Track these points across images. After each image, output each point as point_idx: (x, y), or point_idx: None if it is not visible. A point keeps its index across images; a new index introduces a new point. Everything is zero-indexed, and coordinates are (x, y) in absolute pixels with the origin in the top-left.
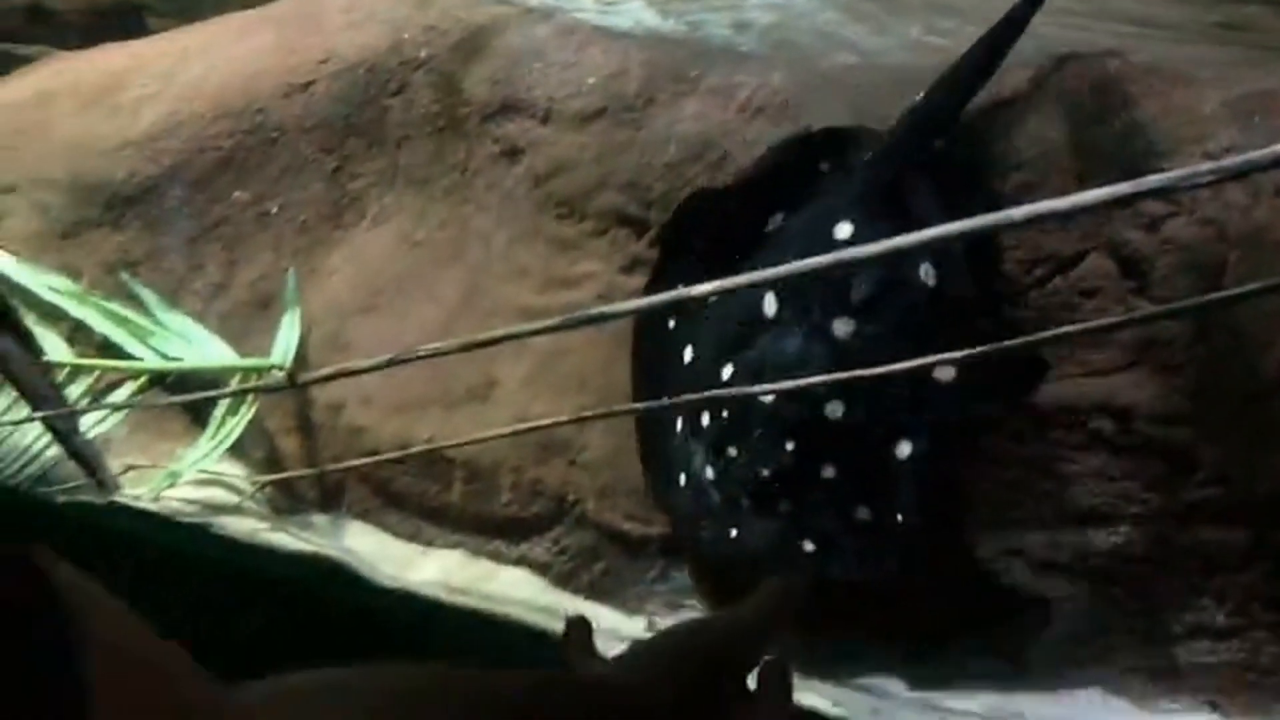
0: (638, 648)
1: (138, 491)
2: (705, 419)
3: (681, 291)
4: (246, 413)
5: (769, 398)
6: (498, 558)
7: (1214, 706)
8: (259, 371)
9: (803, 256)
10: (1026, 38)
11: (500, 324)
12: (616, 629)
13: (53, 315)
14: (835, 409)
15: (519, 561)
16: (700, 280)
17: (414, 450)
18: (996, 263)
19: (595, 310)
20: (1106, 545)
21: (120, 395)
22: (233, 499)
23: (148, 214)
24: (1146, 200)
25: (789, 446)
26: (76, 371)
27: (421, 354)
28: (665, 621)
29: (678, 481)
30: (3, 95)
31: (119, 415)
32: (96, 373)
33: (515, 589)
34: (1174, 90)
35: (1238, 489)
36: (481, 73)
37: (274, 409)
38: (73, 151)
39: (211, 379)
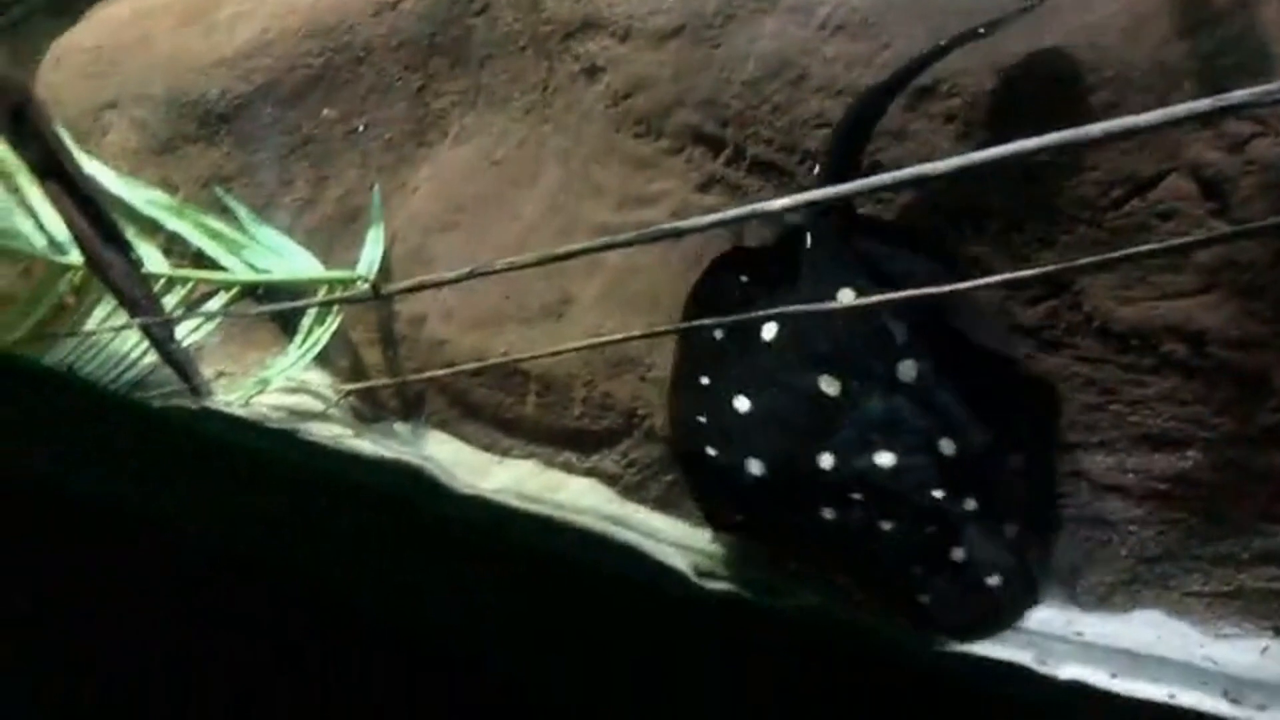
0: None
1: (229, 398)
2: (831, 513)
3: (757, 206)
4: (332, 323)
5: (888, 461)
6: (569, 468)
7: (1277, 631)
8: (344, 284)
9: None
10: None
11: (577, 241)
12: (682, 540)
13: (150, 228)
14: (947, 446)
15: (589, 473)
16: (724, 364)
17: (491, 362)
18: None
19: (668, 225)
20: (1174, 469)
21: (212, 306)
22: (318, 406)
23: (241, 130)
24: (1231, 119)
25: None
26: (172, 282)
27: (499, 267)
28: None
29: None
30: (103, 13)
31: (211, 325)
32: (191, 284)
33: (584, 498)
34: (1263, 5)
35: None
36: None
37: (358, 321)
38: (170, 68)
39: (299, 291)
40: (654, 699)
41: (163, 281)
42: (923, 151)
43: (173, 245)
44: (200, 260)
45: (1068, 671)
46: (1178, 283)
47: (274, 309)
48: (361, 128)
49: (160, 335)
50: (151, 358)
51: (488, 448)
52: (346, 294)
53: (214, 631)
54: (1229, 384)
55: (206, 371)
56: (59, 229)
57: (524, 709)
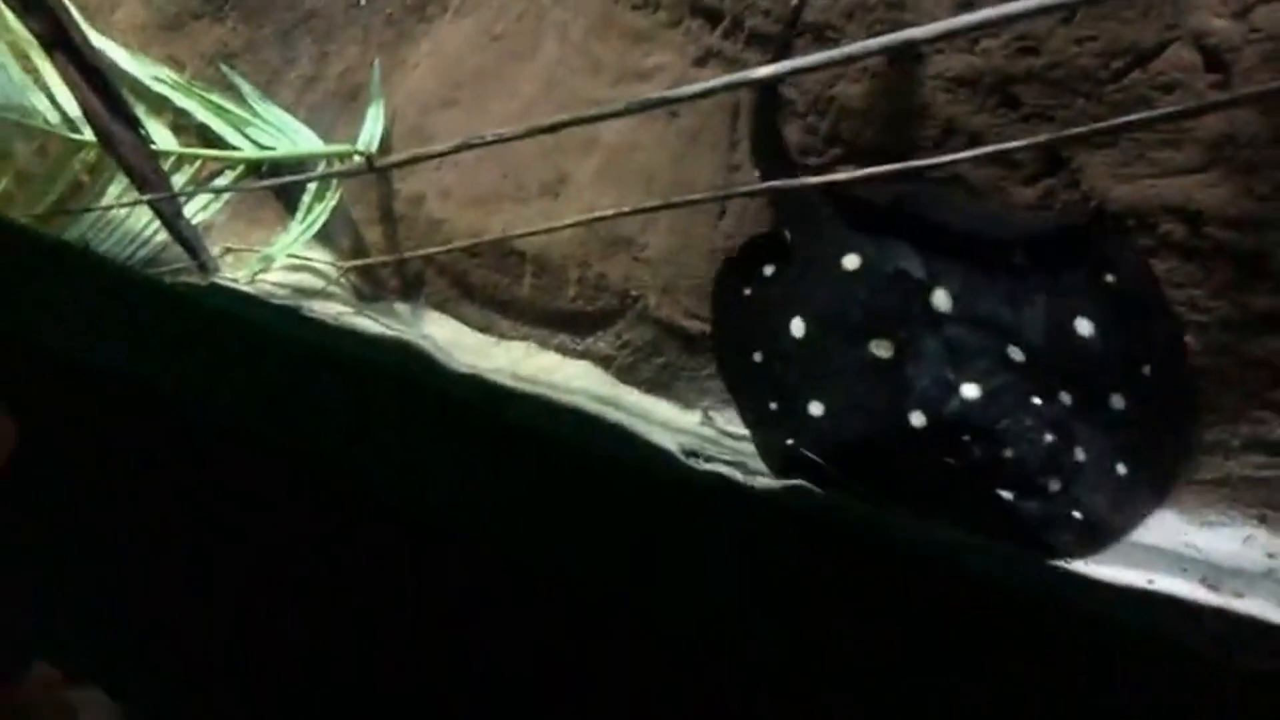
0: None
1: (235, 275)
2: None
3: (743, 74)
4: (331, 199)
5: (974, 393)
6: (564, 351)
7: (1262, 520)
8: (343, 159)
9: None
10: None
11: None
12: (672, 421)
13: (158, 105)
14: (1016, 353)
15: (584, 355)
16: (779, 381)
17: (486, 239)
18: None
19: (656, 95)
20: None
21: (219, 184)
22: (320, 284)
23: (245, 5)
24: None
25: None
26: (180, 160)
27: (490, 139)
28: (721, 418)
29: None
30: None
31: (219, 202)
32: (199, 161)
33: (579, 380)
34: None
35: None
36: None
37: (359, 200)
38: None
39: (301, 167)
40: (644, 573)
41: (172, 160)
42: (921, 22)
43: (180, 123)
44: (206, 137)
45: None
46: (1176, 160)
47: (272, 184)
48: (363, 2)
49: (170, 213)
50: (163, 235)
51: (485, 329)
52: (342, 168)
53: (220, 501)
54: (1226, 266)
55: (214, 249)
56: (73, 106)
57: (517, 582)
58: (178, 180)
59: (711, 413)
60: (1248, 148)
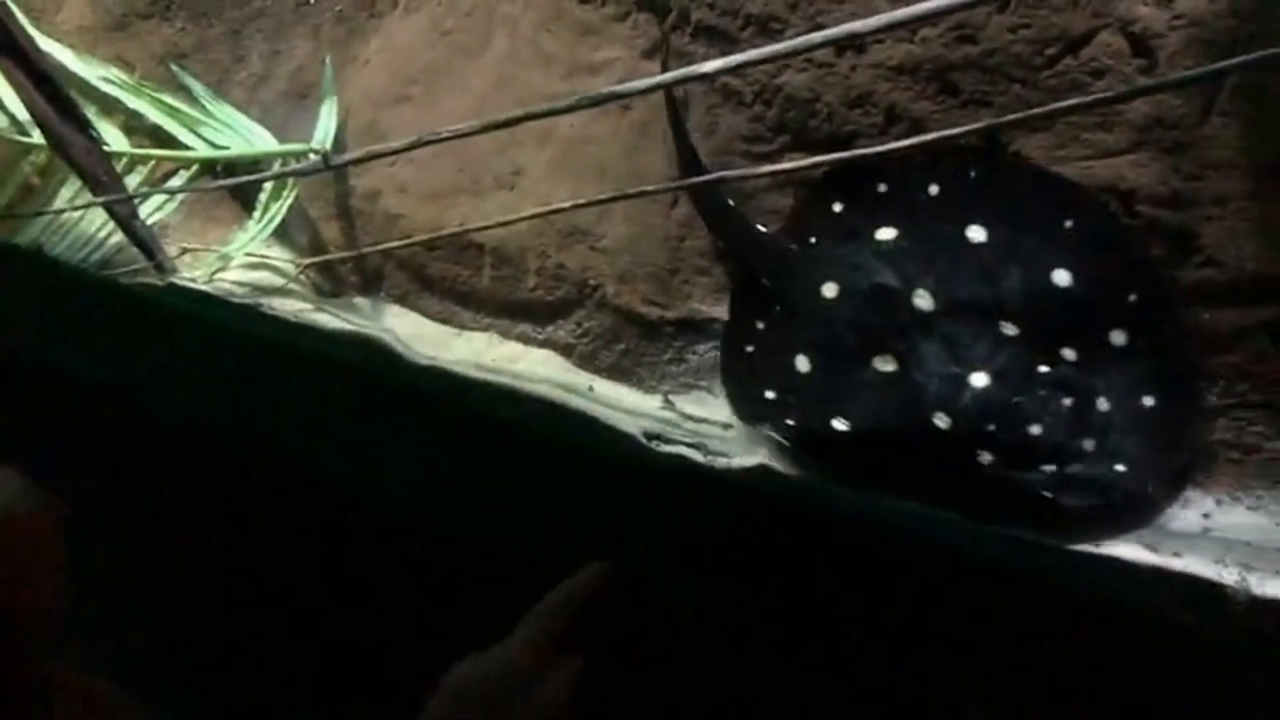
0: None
1: (193, 274)
2: (988, 456)
3: (692, 69)
4: (288, 196)
5: (983, 381)
6: (526, 340)
7: (1196, 484)
8: (299, 157)
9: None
10: None
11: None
12: (636, 406)
13: (108, 106)
14: (1009, 328)
15: (545, 343)
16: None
17: (444, 233)
18: None
19: (606, 90)
20: None
21: (174, 184)
22: (280, 281)
23: (193, 5)
24: None
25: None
26: (133, 162)
27: (445, 135)
28: (681, 401)
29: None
30: None
31: (174, 202)
32: (152, 162)
33: (540, 368)
34: None
35: (1232, 270)
36: None
37: (316, 198)
38: None
39: (256, 166)
40: (608, 555)
41: (125, 161)
42: (862, 14)
43: (132, 124)
44: (158, 138)
45: None
46: (1108, 141)
47: (228, 183)
48: (312, 0)
49: (124, 214)
50: (118, 237)
51: (446, 320)
52: (298, 166)
53: (183, 498)
54: (1157, 242)
55: (170, 249)
56: (20, 109)
57: (482, 568)
58: (131, 181)
59: (671, 397)
60: (1175, 129)
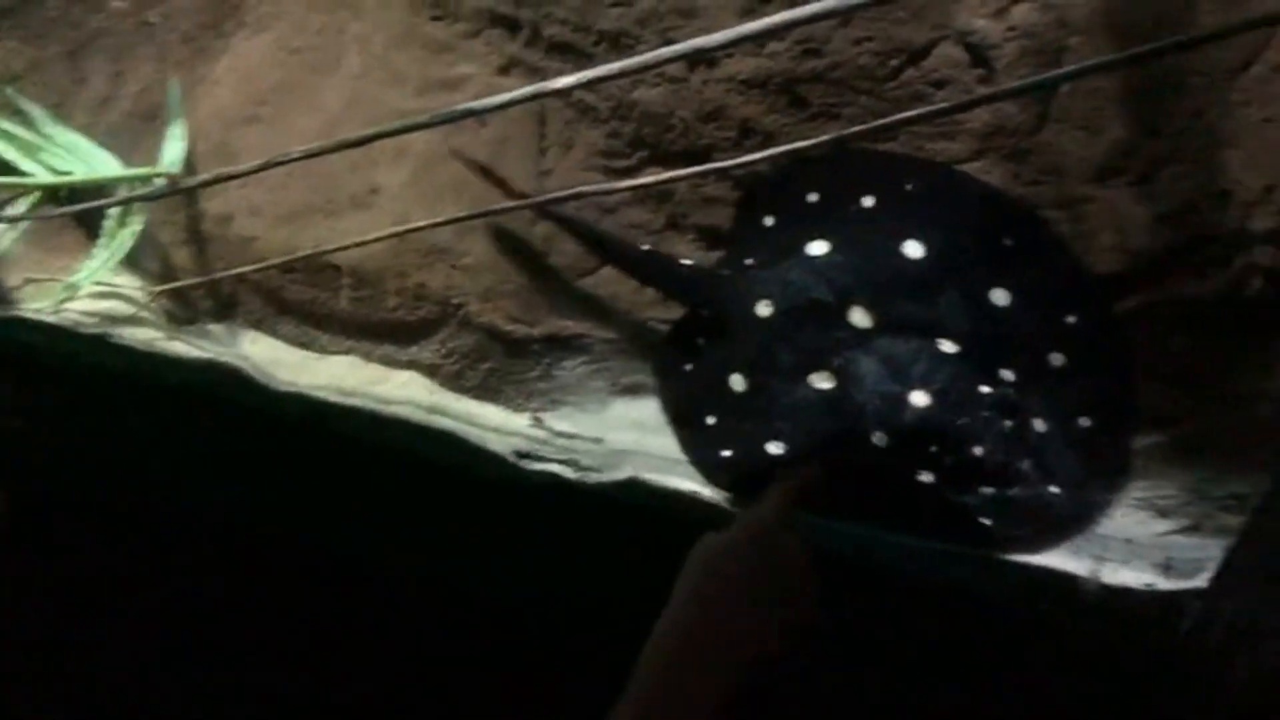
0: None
1: (38, 305)
2: (929, 475)
3: (544, 84)
4: (136, 222)
5: (923, 400)
6: (389, 362)
7: None
8: (146, 180)
9: None
10: None
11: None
12: (503, 425)
13: None
14: (948, 346)
15: (409, 365)
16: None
17: (299, 255)
18: None
19: (462, 106)
20: None
21: (11, 213)
22: (130, 310)
23: (26, 25)
24: None
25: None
26: None
27: (298, 155)
28: (550, 418)
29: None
30: None
31: (15, 231)
32: None
33: (405, 390)
34: None
35: None
36: None
37: (166, 223)
38: None
39: (101, 191)
40: (479, 572)
41: None
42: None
43: None
44: None
45: None
46: (952, 150)
47: (73, 210)
48: (155, 19)
49: None
50: None
51: (305, 345)
52: (146, 191)
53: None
54: None
55: (12, 279)
56: None
57: (355, 589)
58: None
59: (540, 414)
60: (1014, 136)
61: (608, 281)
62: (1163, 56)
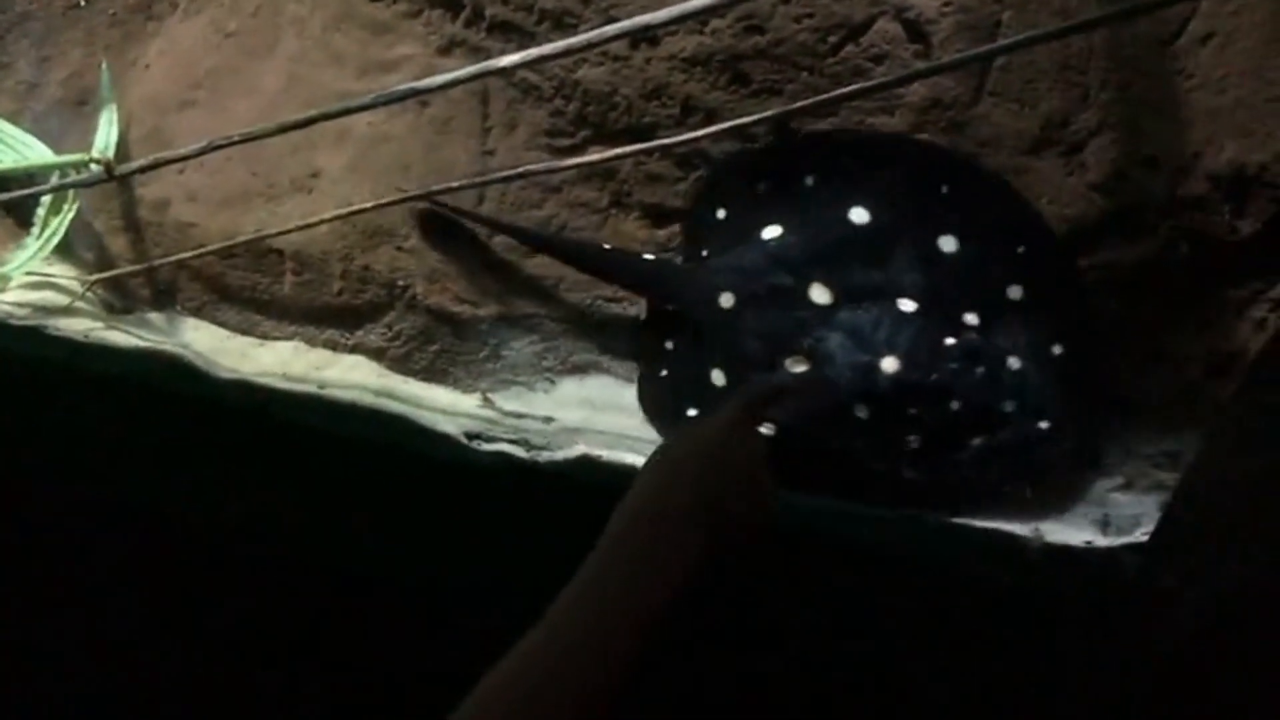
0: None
1: None
2: (916, 440)
3: (488, 64)
4: (69, 211)
5: (893, 366)
6: (334, 346)
7: None
8: (79, 168)
9: None
10: None
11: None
12: (454, 406)
13: None
14: (907, 305)
15: (355, 349)
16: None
17: (239, 240)
18: None
19: (404, 87)
20: None
21: None
22: (66, 300)
23: None
24: None
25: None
26: None
27: (236, 139)
28: (499, 398)
29: None
30: None
31: None
32: None
33: (352, 374)
34: None
35: None
36: None
37: (101, 210)
38: None
39: (31, 180)
40: (433, 554)
41: None
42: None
43: None
44: None
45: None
46: (892, 124)
47: (3, 199)
48: (83, 2)
49: None
50: None
51: (247, 331)
52: (80, 178)
53: None
54: None
55: None
56: None
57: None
58: None
59: (490, 394)
60: (951, 110)
61: (555, 261)
62: (1094, 29)
